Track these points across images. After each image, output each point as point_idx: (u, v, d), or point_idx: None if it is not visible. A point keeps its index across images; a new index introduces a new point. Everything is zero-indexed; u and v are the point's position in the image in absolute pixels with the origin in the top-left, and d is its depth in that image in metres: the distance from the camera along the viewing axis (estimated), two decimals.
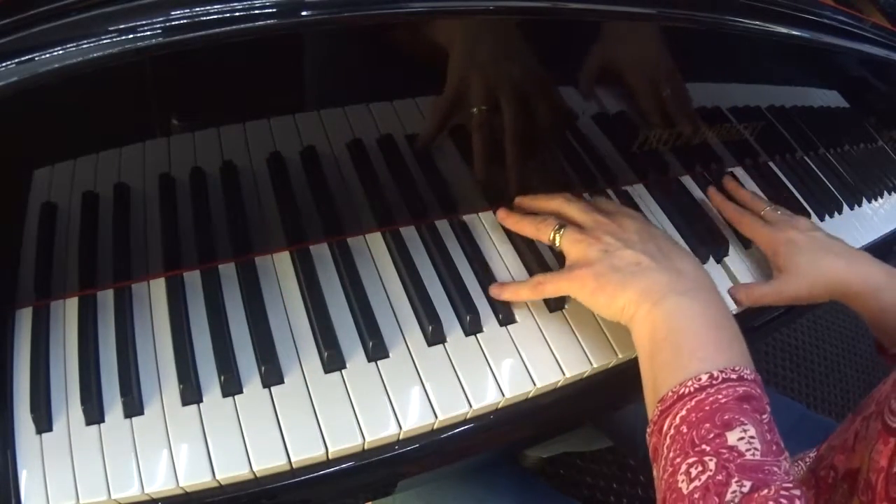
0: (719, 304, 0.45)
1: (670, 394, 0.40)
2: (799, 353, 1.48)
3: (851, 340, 1.55)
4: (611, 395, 0.57)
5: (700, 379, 0.39)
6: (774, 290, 0.58)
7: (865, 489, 0.40)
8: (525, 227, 0.53)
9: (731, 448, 0.36)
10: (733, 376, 0.39)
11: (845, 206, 0.78)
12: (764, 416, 0.38)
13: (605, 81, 0.57)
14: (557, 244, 0.50)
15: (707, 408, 0.38)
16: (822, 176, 0.80)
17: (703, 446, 0.37)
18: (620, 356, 0.52)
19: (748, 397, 0.39)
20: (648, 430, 0.42)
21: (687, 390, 0.39)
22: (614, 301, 0.46)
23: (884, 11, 0.67)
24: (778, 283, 0.58)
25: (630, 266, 0.46)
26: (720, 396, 0.38)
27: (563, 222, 0.51)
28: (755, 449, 0.36)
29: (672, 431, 0.39)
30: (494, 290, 0.52)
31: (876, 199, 0.83)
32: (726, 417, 0.37)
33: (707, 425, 0.37)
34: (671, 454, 0.38)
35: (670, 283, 0.45)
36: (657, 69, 0.57)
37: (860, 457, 0.42)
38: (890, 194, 0.86)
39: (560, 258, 0.54)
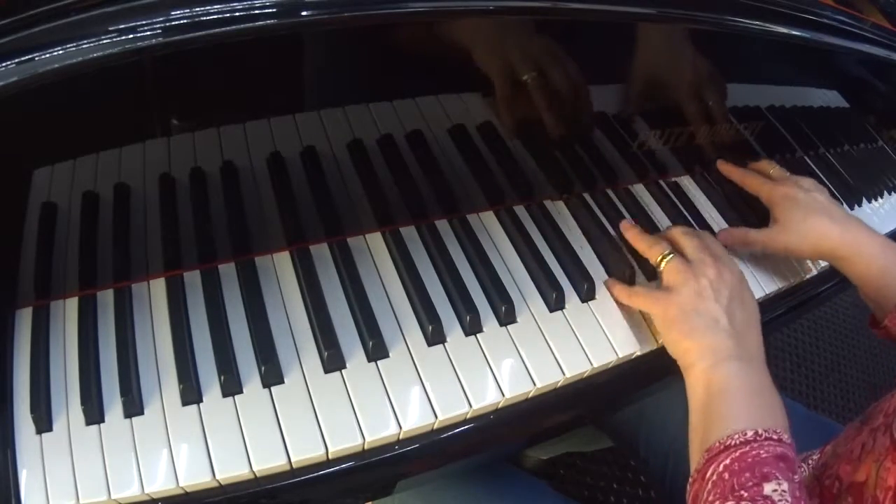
0: (768, 376, 0.49)
1: (717, 444, 0.44)
2: (799, 353, 1.48)
3: (851, 341, 1.55)
4: (611, 395, 0.57)
5: (746, 434, 0.43)
6: (765, 236, 0.61)
7: None
8: (640, 243, 0.57)
9: (766, 497, 0.39)
10: (774, 437, 0.43)
11: (845, 206, 0.78)
12: (795, 477, 0.42)
13: (604, 81, 0.57)
14: (662, 267, 0.54)
15: (749, 460, 0.42)
16: (822, 176, 0.80)
17: (742, 492, 0.40)
18: (620, 356, 0.52)
19: (784, 458, 0.42)
20: (691, 479, 0.45)
21: (733, 442, 0.43)
22: (682, 342, 0.50)
23: (884, 11, 0.67)
24: (769, 231, 0.61)
25: (710, 319, 0.50)
26: (762, 452, 0.42)
27: (673, 250, 0.55)
28: (786, 501, 0.39)
29: (714, 477, 0.42)
30: (609, 282, 0.56)
31: (876, 199, 0.83)
32: (765, 470, 0.41)
33: (747, 474, 0.41)
34: (711, 497, 0.42)
35: (735, 348, 0.49)
36: (658, 68, 0.57)
37: (866, 470, 0.42)
38: (890, 194, 0.86)
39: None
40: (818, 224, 0.59)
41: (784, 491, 0.40)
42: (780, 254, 0.62)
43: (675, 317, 0.50)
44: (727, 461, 0.42)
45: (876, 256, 0.56)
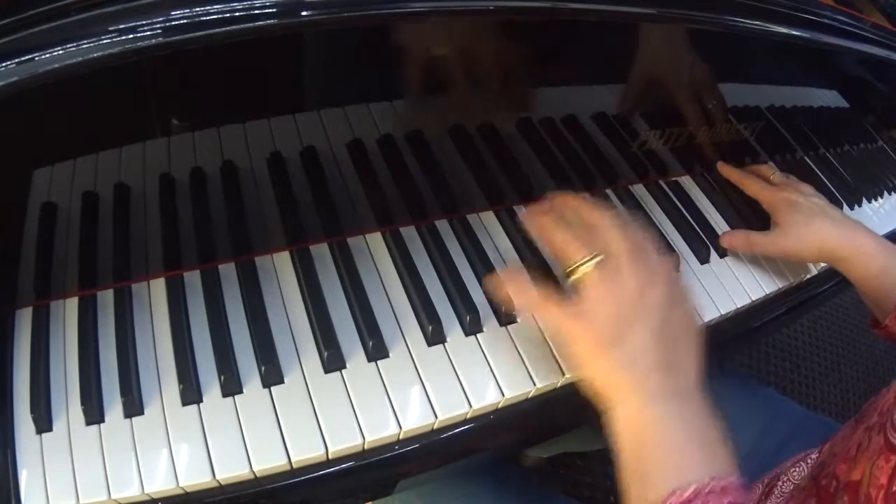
0: (707, 407, 0.43)
1: None
2: (799, 353, 1.48)
3: (851, 340, 1.55)
4: None
5: (685, 493, 0.38)
6: (768, 240, 0.61)
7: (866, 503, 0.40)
8: (556, 235, 0.46)
9: None
10: (718, 487, 0.38)
11: (845, 206, 0.78)
12: None
13: (603, 80, 0.57)
14: (578, 273, 0.44)
15: None
16: (822, 176, 0.80)
17: None
18: None
19: None
20: None
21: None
22: (602, 377, 0.43)
23: (884, 11, 0.67)
24: (772, 235, 0.61)
25: (635, 350, 0.42)
26: None
27: (594, 253, 0.44)
28: None
29: None
30: (503, 275, 0.48)
31: (876, 199, 0.83)
32: None
33: None
34: None
35: (666, 382, 0.42)
36: (659, 68, 0.57)
37: (862, 468, 0.42)
38: (890, 194, 0.86)
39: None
40: (819, 227, 0.59)
41: None
42: (782, 257, 0.63)
43: (591, 348, 0.43)
44: None
45: (875, 257, 0.57)
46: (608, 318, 0.42)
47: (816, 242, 0.59)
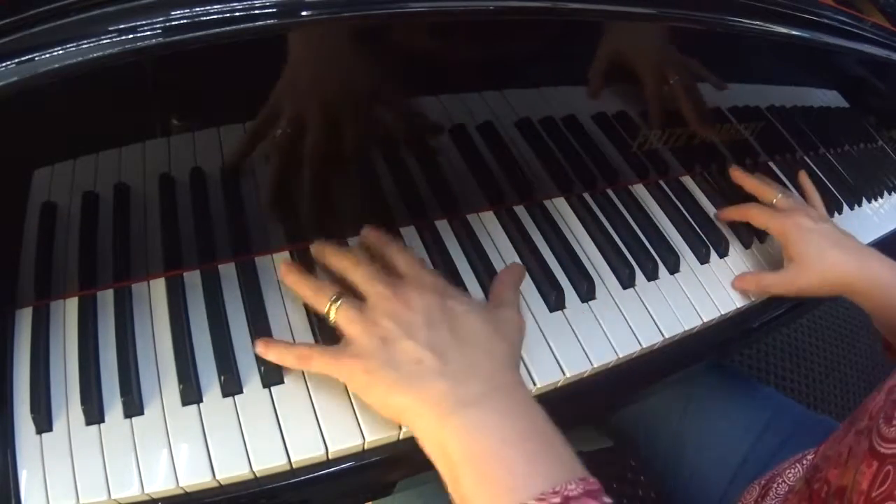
0: (521, 404, 0.39)
1: None
2: (799, 353, 1.47)
3: (851, 340, 1.55)
4: (610, 395, 0.57)
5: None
6: (784, 280, 0.58)
7: None
8: (303, 289, 0.46)
9: None
10: (556, 500, 0.34)
11: (845, 206, 0.78)
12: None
13: (604, 80, 0.57)
14: (332, 318, 0.43)
15: None
16: (822, 176, 0.80)
17: None
18: (620, 355, 0.52)
19: None
20: None
21: None
22: (388, 400, 0.40)
23: (884, 11, 0.67)
24: (787, 274, 0.59)
25: (409, 364, 0.39)
26: None
27: (343, 292, 0.44)
28: None
29: None
30: (260, 346, 0.45)
31: (876, 199, 0.83)
32: None
33: None
34: None
35: (457, 390, 0.38)
36: (659, 67, 0.57)
37: (850, 473, 0.41)
38: (890, 194, 0.86)
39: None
40: (835, 261, 0.57)
41: None
42: (799, 295, 0.60)
43: (367, 380, 0.40)
44: None
45: (892, 287, 0.55)
46: (373, 346, 0.40)
47: (832, 278, 0.57)
